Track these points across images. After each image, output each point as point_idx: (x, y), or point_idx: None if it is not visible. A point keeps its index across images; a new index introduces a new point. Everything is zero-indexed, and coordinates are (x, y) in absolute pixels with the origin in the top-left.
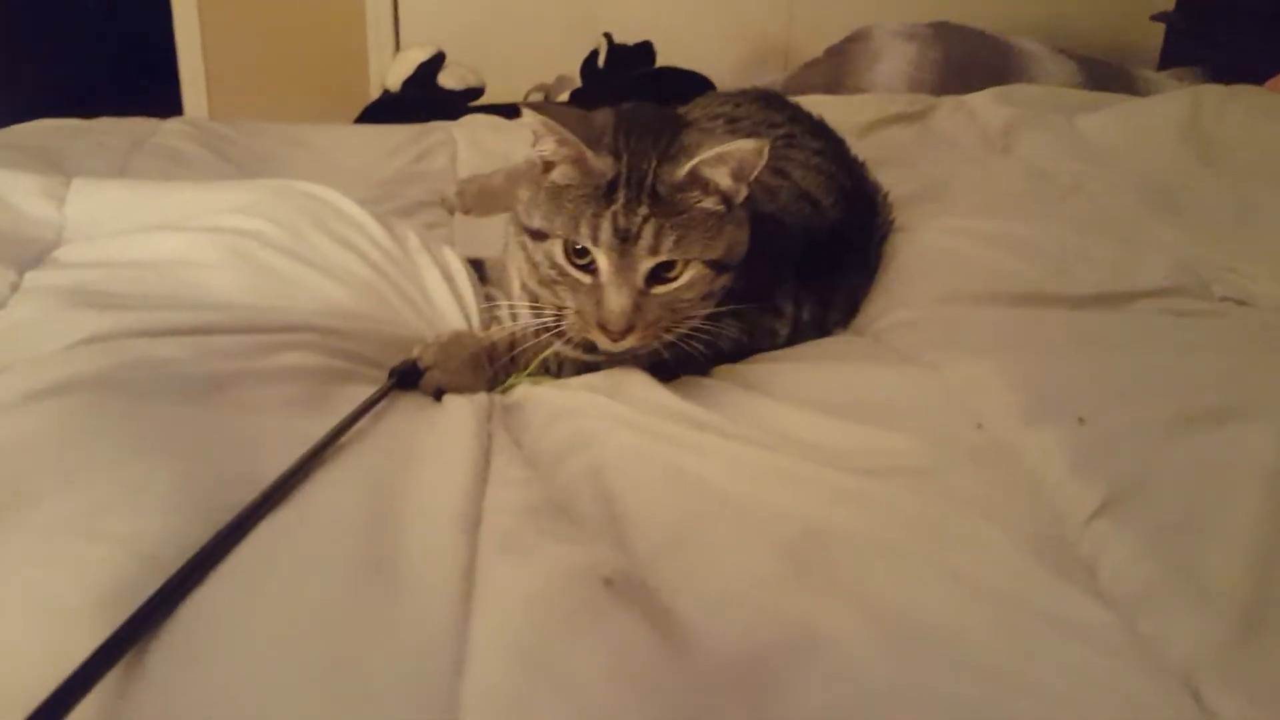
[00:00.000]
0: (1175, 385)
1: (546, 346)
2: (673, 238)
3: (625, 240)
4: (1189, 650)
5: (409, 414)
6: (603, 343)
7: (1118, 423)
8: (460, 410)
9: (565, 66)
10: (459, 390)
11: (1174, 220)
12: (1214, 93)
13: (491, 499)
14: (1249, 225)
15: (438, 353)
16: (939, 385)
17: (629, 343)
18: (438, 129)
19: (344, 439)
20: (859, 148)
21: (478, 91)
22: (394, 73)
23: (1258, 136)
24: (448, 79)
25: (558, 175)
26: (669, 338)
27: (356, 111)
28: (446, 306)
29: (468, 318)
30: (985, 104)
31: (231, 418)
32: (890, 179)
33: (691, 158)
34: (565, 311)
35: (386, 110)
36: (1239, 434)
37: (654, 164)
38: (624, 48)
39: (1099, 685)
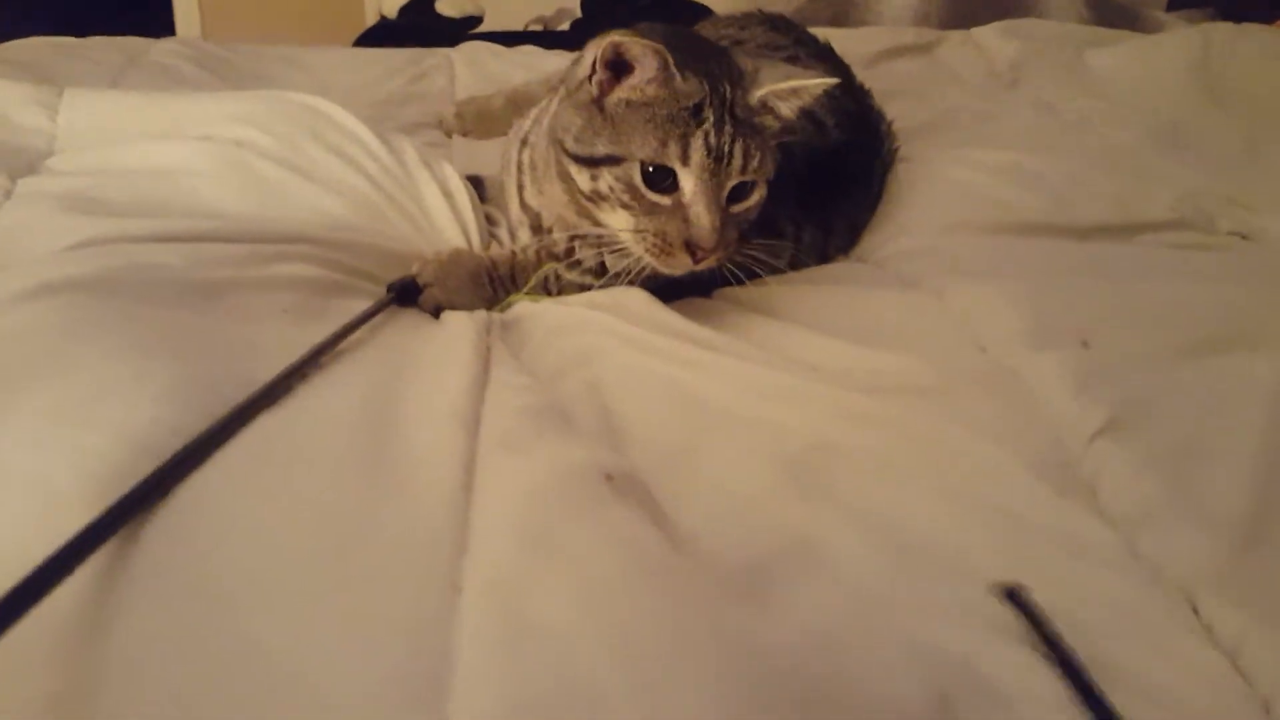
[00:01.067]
0: (1179, 314)
1: (545, 265)
2: (756, 158)
3: (718, 160)
4: (1188, 566)
5: (407, 327)
6: (683, 264)
7: (1122, 347)
8: (459, 323)
9: None
10: (458, 308)
11: (1180, 156)
12: (1224, 31)
13: (491, 401)
14: (1256, 162)
15: (437, 270)
16: (942, 310)
17: (709, 262)
18: (435, 54)
19: (342, 346)
20: (865, 78)
21: (476, 20)
22: None
23: (1267, 75)
24: (446, 6)
25: (633, 95)
26: (738, 258)
27: (352, 38)
28: (445, 223)
29: (467, 235)
30: (993, 38)
31: (228, 324)
32: (896, 110)
33: (761, 86)
34: (625, 234)
35: (383, 36)
36: (1242, 362)
37: (728, 87)
38: None
39: (1097, 599)
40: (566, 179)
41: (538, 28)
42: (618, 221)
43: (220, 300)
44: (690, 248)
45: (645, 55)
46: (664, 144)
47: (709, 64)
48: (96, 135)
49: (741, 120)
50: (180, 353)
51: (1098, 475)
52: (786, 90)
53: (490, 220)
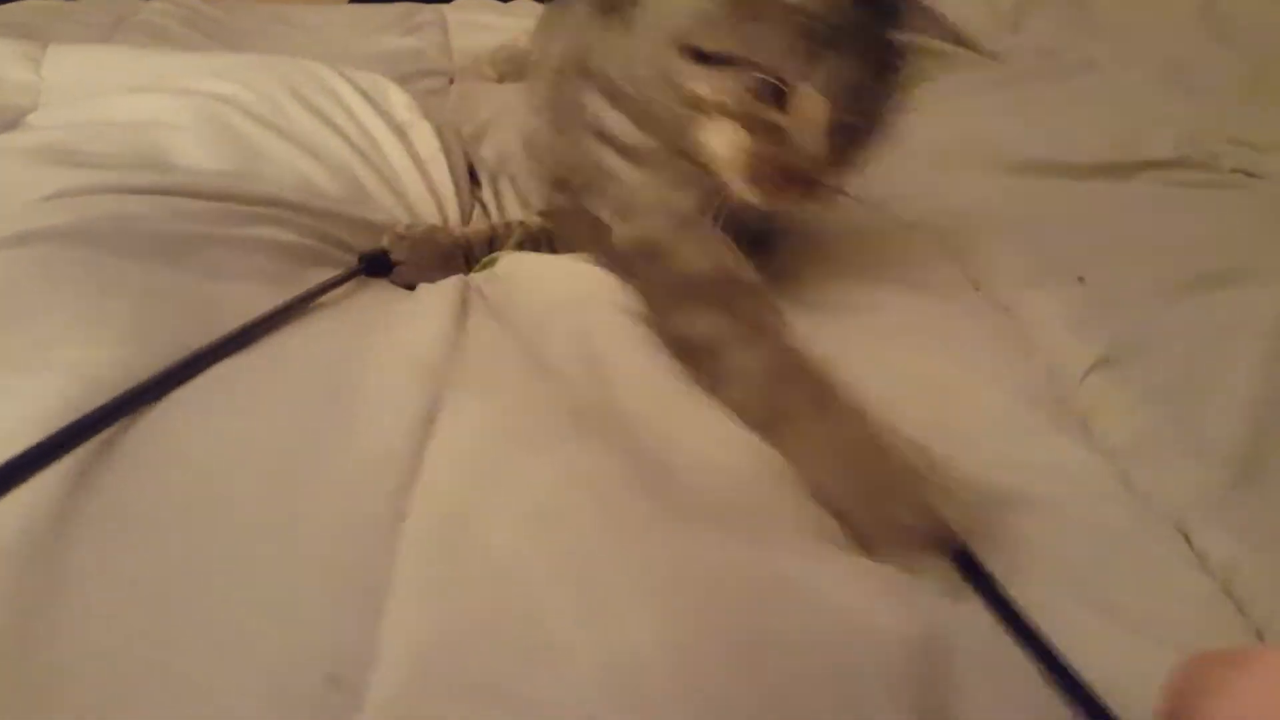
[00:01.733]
0: (1178, 248)
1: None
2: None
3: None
4: (1182, 497)
5: (380, 290)
6: (789, 195)
7: (1119, 283)
8: (437, 286)
9: None
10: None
11: (1185, 95)
12: None
13: (462, 348)
14: (1262, 101)
15: (409, 250)
16: (937, 248)
17: (832, 174)
18: (426, 9)
19: (315, 305)
20: None
21: None
22: None
23: (1276, 13)
24: None
25: None
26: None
27: None
28: (417, 197)
29: (443, 209)
30: None
31: (199, 278)
32: None
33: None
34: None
35: None
36: (1241, 295)
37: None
38: None
39: (1090, 527)
40: (666, 78)
41: None
42: (719, 137)
43: (195, 255)
44: (800, 175)
45: None
46: (791, 51)
47: None
48: (80, 89)
49: (874, 52)
50: (148, 301)
51: (1093, 409)
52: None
53: None
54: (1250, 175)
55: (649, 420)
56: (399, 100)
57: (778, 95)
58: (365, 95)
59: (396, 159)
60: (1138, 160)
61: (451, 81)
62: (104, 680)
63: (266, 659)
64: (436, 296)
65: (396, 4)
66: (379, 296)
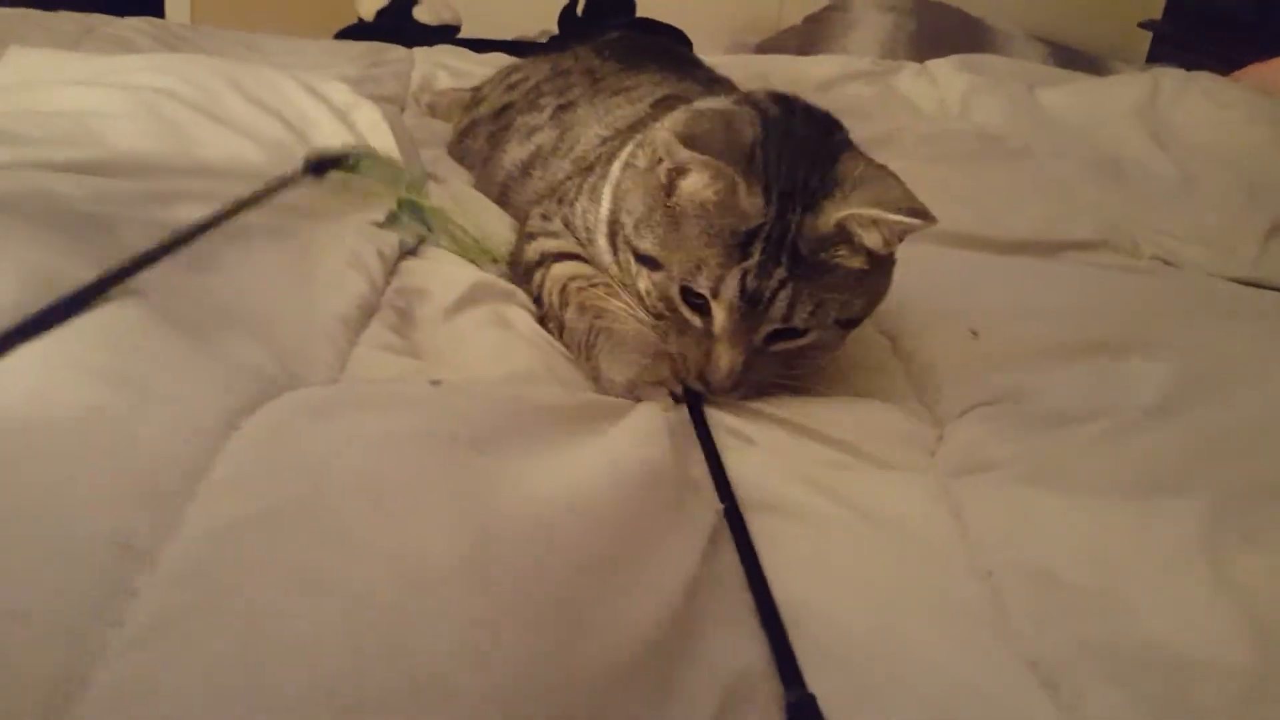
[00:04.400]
0: (1083, 318)
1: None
2: (809, 308)
3: (754, 304)
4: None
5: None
6: (695, 387)
7: (1011, 340)
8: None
9: (547, 11)
10: None
11: (1116, 187)
12: (1173, 77)
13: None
14: (1189, 198)
15: None
16: None
17: (731, 396)
18: (396, 49)
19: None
20: (817, 100)
21: (453, 29)
22: (368, 1)
23: (1210, 120)
24: (424, 14)
25: (687, 200)
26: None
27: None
28: None
29: None
30: (947, 71)
31: (115, 257)
32: None
33: (841, 209)
34: (650, 330)
35: (357, 37)
36: (1135, 365)
37: (800, 211)
38: None
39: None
40: (623, 265)
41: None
42: (647, 315)
43: (113, 234)
44: (704, 379)
45: (700, 172)
46: (698, 269)
47: (795, 168)
48: (27, 85)
49: (803, 258)
50: (59, 261)
51: (954, 433)
52: (867, 219)
53: None
54: (1168, 263)
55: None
56: (339, 90)
57: (696, 297)
58: (306, 87)
59: (337, 134)
60: (1060, 240)
61: (402, 110)
62: None
63: (58, 527)
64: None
65: (370, 43)
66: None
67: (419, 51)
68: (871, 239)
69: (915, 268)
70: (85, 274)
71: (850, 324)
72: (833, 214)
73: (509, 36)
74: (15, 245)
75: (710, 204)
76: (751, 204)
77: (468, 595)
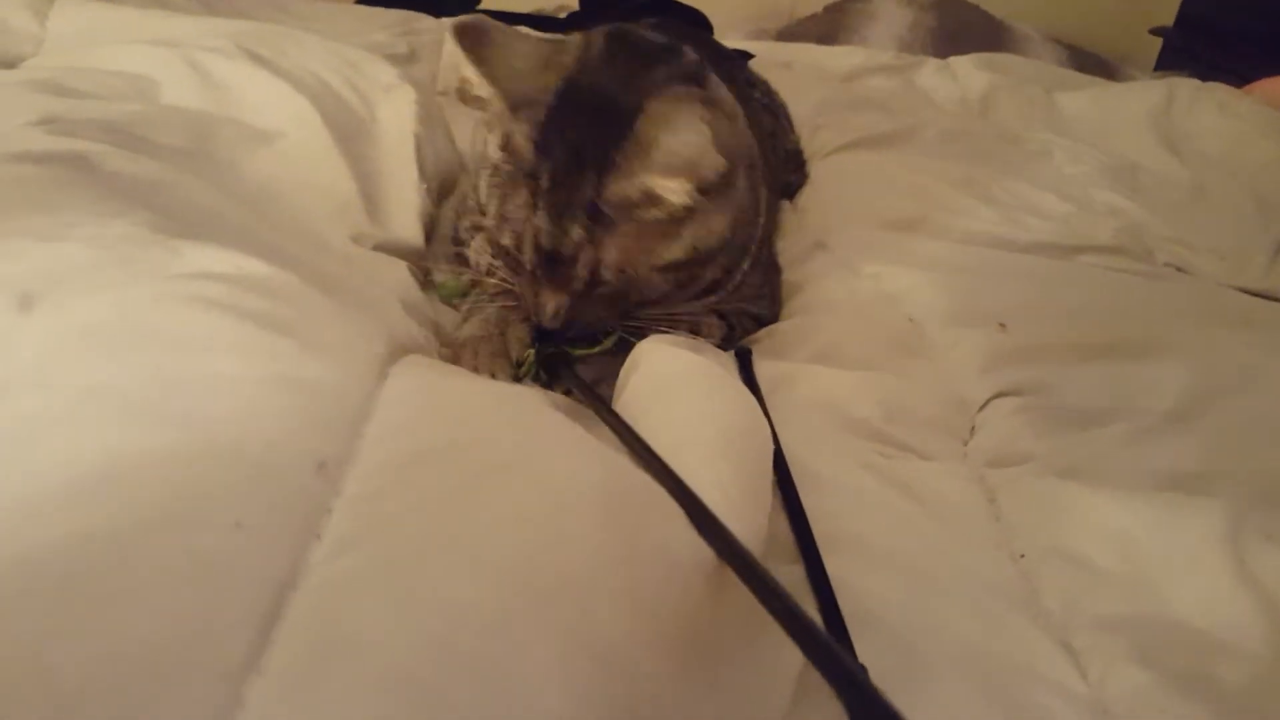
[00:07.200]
0: (1103, 319)
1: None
2: (615, 264)
3: (553, 262)
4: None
5: None
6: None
7: (1037, 336)
8: None
9: None
10: None
11: (1130, 193)
12: (1188, 86)
13: None
14: (1200, 207)
15: None
16: (876, 289)
17: (568, 334)
18: (425, 19)
19: None
20: (837, 91)
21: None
22: None
23: (1223, 131)
24: None
25: (490, 144)
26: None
27: None
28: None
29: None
30: (968, 68)
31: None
32: (864, 120)
33: (632, 177)
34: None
35: (382, 3)
36: (1153, 367)
37: (595, 172)
38: None
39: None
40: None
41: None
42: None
43: (170, 193)
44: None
45: (481, 85)
46: (502, 220)
47: (594, 124)
48: (79, 41)
49: (604, 215)
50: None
51: (988, 429)
52: (659, 169)
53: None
54: (1181, 270)
55: None
56: (384, 71)
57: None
58: (351, 62)
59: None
60: (1077, 243)
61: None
62: None
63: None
64: None
65: (398, 10)
66: None
67: (448, 22)
68: (675, 196)
69: (937, 258)
70: (145, 234)
71: (680, 267)
72: (625, 181)
73: (528, 10)
74: (80, 202)
75: (496, 145)
76: (526, 151)
77: (605, 516)
